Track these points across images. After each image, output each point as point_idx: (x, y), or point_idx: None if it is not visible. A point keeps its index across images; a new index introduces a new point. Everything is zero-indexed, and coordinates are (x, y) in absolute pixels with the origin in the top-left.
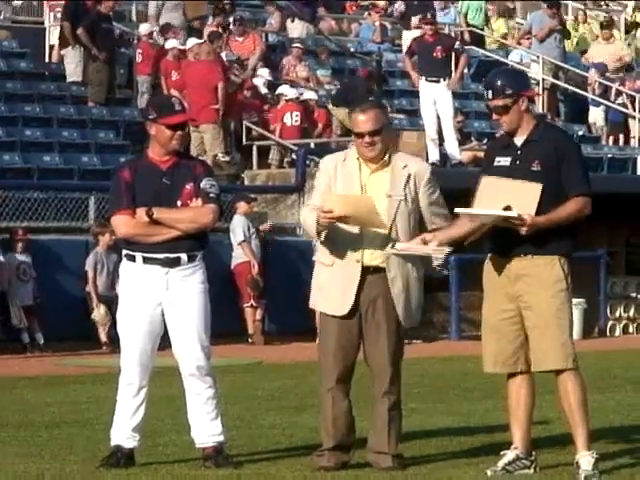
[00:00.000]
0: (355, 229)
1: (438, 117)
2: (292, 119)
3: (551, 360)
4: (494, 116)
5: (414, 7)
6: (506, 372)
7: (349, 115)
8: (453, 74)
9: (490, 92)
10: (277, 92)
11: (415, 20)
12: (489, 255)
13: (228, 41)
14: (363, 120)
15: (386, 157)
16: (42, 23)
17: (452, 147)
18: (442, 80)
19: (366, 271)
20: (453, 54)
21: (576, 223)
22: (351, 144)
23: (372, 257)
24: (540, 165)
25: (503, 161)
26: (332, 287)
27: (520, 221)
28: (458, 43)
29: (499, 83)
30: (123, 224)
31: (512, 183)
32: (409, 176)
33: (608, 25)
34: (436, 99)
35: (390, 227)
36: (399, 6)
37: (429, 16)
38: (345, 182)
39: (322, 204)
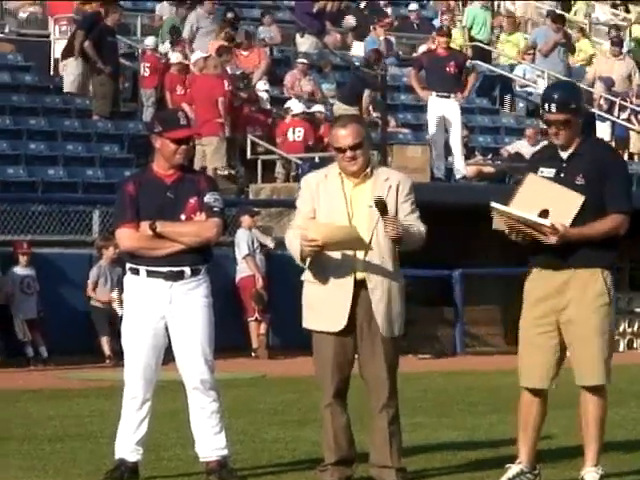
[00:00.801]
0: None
1: (445, 132)
2: (295, 134)
3: (590, 376)
4: (551, 129)
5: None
6: (544, 387)
7: (329, 132)
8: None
9: (554, 106)
10: (285, 106)
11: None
12: (532, 269)
13: (235, 55)
14: (344, 135)
15: (368, 170)
16: (47, 36)
17: (458, 162)
18: (452, 95)
19: (359, 285)
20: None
21: (617, 237)
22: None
23: (365, 273)
24: (584, 179)
25: (547, 172)
26: (325, 304)
27: (552, 230)
28: (470, 61)
29: (563, 97)
30: (127, 237)
31: (556, 188)
32: (390, 187)
33: (618, 42)
34: (445, 114)
35: (370, 237)
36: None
37: (444, 29)
38: (329, 198)
39: (305, 232)
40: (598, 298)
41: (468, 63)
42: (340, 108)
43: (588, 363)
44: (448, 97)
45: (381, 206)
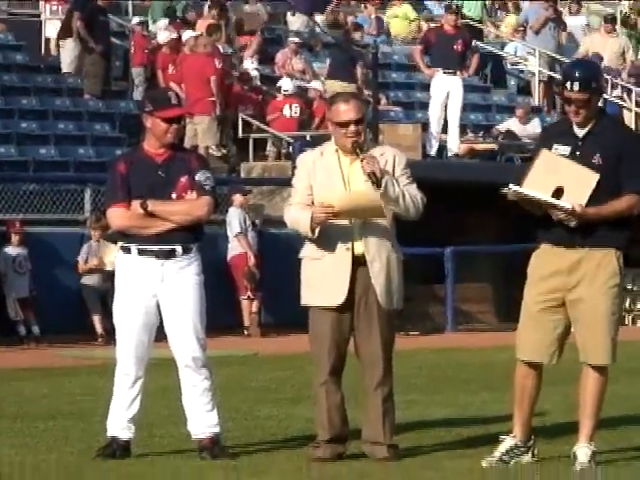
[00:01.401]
0: (344, 220)
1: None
2: (292, 111)
3: (599, 356)
4: (571, 107)
5: None
6: (541, 362)
7: (328, 107)
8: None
9: (577, 84)
10: (277, 85)
11: None
12: (542, 245)
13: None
14: (347, 109)
15: (365, 147)
16: (38, 16)
17: (454, 139)
18: (458, 73)
19: (357, 261)
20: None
21: (630, 217)
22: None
23: (363, 246)
24: (602, 159)
25: (562, 149)
26: (324, 279)
27: (572, 213)
28: (475, 41)
29: (585, 76)
30: (118, 216)
31: (570, 165)
32: (386, 162)
33: (612, 19)
34: (450, 92)
35: None
36: None
37: (454, 7)
38: (326, 175)
39: (320, 200)
40: (610, 279)
41: (473, 43)
42: (334, 85)
43: (596, 343)
44: (454, 74)
45: (373, 178)
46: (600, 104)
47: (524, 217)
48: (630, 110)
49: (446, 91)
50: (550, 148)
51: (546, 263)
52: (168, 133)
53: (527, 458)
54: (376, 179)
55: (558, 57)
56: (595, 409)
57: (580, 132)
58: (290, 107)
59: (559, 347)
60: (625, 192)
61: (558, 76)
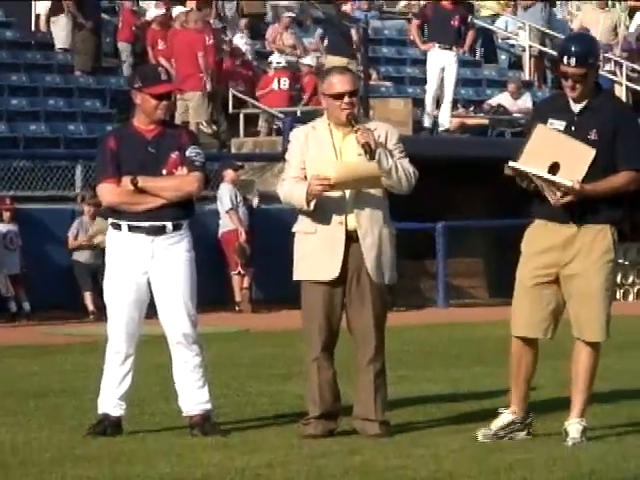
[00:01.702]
0: (337, 193)
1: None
2: (280, 84)
3: (593, 332)
4: (567, 82)
5: None
6: (536, 337)
7: (321, 80)
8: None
9: (574, 59)
10: (268, 60)
11: None
12: (536, 220)
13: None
14: (342, 81)
15: (358, 120)
16: None
17: (446, 114)
18: (454, 48)
19: (350, 236)
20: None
21: (625, 194)
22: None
23: (355, 221)
24: (598, 134)
25: (557, 124)
26: (317, 254)
27: (572, 191)
28: (471, 16)
29: (583, 51)
30: (108, 192)
31: (566, 140)
32: (379, 137)
33: None
34: (445, 67)
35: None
36: None
37: None
38: (318, 149)
39: (317, 172)
40: (605, 255)
41: (469, 19)
42: (334, 60)
43: (590, 319)
44: (450, 49)
45: (367, 148)
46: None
47: (516, 192)
48: (621, 85)
49: (441, 66)
50: (545, 123)
51: (540, 239)
52: (158, 109)
53: (522, 435)
54: (370, 150)
55: (548, 32)
56: (587, 384)
57: (576, 107)
58: (279, 81)
59: (553, 322)
60: (621, 169)
61: (549, 51)
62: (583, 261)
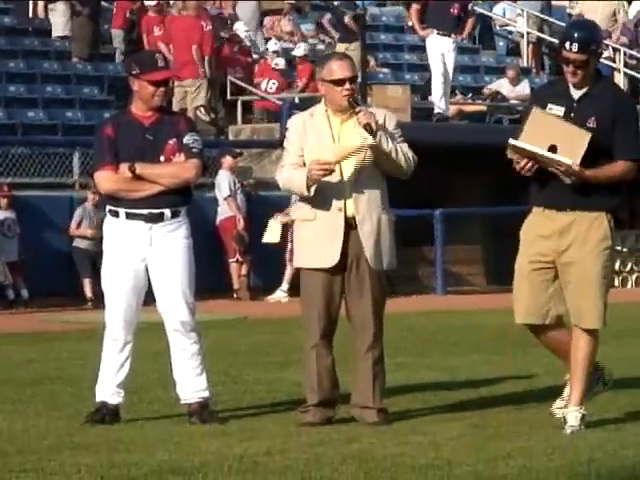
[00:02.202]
0: (336, 179)
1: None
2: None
3: (589, 319)
4: (569, 68)
5: None
6: (537, 323)
7: (320, 67)
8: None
9: (576, 45)
10: (265, 47)
11: None
12: (535, 207)
13: None
14: (343, 66)
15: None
16: None
17: (443, 100)
18: (452, 35)
19: (349, 224)
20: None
21: (622, 182)
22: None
23: (354, 207)
24: (596, 122)
25: (556, 109)
26: (317, 240)
27: (571, 170)
28: (472, 4)
29: (585, 37)
30: (106, 180)
31: (563, 124)
32: (377, 122)
33: None
34: (443, 54)
35: (359, 169)
36: None
37: None
38: (316, 135)
39: (316, 157)
40: (601, 242)
41: (469, 6)
42: (341, 47)
43: (587, 307)
44: (449, 36)
45: (368, 128)
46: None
47: (514, 179)
48: (619, 71)
49: (440, 52)
50: (544, 108)
51: (538, 226)
52: (155, 96)
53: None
54: (371, 130)
55: (547, 18)
56: (586, 371)
57: (576, 94)
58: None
59: (554, 307)
60: (618, 158)
61: (547, 37)
62: (579, 249)
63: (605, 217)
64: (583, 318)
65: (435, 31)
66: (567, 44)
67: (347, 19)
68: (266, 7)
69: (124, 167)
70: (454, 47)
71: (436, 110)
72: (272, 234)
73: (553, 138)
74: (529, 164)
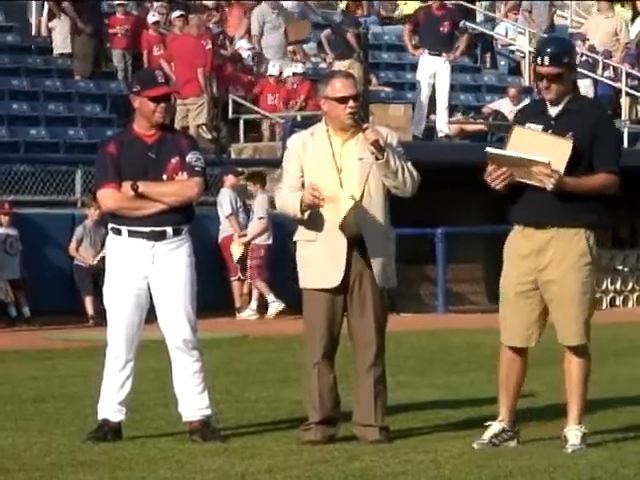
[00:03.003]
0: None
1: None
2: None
3: (573, 336)
4: (543, 83)
5: None
6: (522, 346)
7: (323, 84)
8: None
9: (547, 59)
10: (268, 73)
11: None
12: (515, 226)
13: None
14: (346, 84)
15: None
16: None
17: (442, 121)
18: (444, 54)
19: (351, 243)
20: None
21: (601, 197)
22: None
23: (356, 227)
24: (574, 137)
25: (534, 127)
26: (319, 261)
27: (549, 171)
28: (464, 21)
29: (556, 50)
30: (108, 198)
31: (544, 136)
32: (384, 139)
33: None
34: (436, 73)
35: (362, 191)
36: None
37: None
38: (316, 155)
39: (314, 180)
40: (581, 258)
41: (461, 24)
42: (340, 65)
43: (570, 323)
44: (439, 55)
45: (377, 145)
46: (593, 86)
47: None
48: (621, 91)
49: (432, 72)
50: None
51: (517, 245)
52: (156, 112)
53: (513, 444)
54: (379, 148)
55: (560, 35)
56: (581, 391)
57: (554, 111)
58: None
59: (537, 329)
60: (599, 170)
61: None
62: (559, 266)
63: (584, 234)
64: (567, 335)
65: (426, 51)
66: (539, 59)
67: (349, 36)
68: (292, 37)
69: (127, 185)
70: (447, 66)
71: (414, 132)
72: (235, 254)
73: (536, 151)
74: (505, 174)
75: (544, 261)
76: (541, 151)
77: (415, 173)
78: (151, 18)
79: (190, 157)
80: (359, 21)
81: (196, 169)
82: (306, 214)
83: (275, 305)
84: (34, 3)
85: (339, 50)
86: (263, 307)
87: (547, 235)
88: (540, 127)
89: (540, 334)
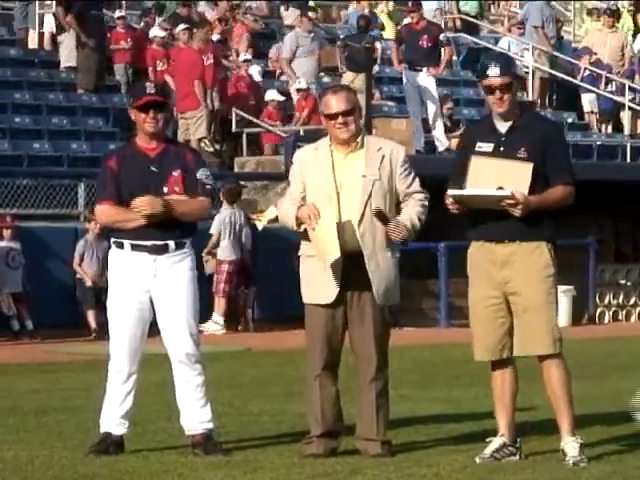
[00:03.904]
0: (336, 216)
1: (424, 105)
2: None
3: (539, 345)
4: (495, 95)
5: None
6: (494, 359)
7: (320, 100)
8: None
9: (497, 69)
10: (266, 98)
11: None
12: (473, 242)
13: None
14: (336, 101)
15: (359, 139)
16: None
17: (440, 134)
18: (425, 69)
19: (352, 257)
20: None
21: (559, 210)
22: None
23: (356, 242)
24: (526, 152)
25: (485, 147)
26: (317, 276)
27: (514, 201)
28: (443, 35)
29: (504, 62)
30: (102, 213)
31: (503, 163)
32: (383, 157)
33: (612, 13)
34: (420, 88)
35: (364, 207)
36: None
37: (410, 4)
38: (317, 169)
39: (315, 193)
40: (544, 269)
41: (442, 37)
42: (349, 76)
43: (539, 332)
44: (420, 70)
45: (381, 216)
46: (595, 99)
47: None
48: (624, 105)
49: (416, 86)
50: (474, 146)
51: (480, 261)
52: (146, 122)
53: (515, 459)
54: (383, 217)
55: (555, 53)
56: (565, 400)
57: (503, 127)
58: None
59: (509, 341)
60: (556, 183)
61: (553, 71)
62: (523, 278)
63: (545, 246)
64: (534, 344)
65: (407, 66)
66: (489, 70)
67: (357, 50)
68: (324, 64)
69: (157, 200)
70: (430, 80)
71: (416, 147)
72: (208, 268)
73: (497, 180)
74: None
75: (508, 274)
76: (502, 179)
77: (426, 202)
78: (156, 32)
79: (201, 174)
80: (367, 35)
81: (207, 187)
82: (302, 227)
83: (213, 326)
84: (36, 16)
85: (347, 63)
86: (234, 321)
87: (508, 249)
88: (491, 145)
89: (512, 345)
